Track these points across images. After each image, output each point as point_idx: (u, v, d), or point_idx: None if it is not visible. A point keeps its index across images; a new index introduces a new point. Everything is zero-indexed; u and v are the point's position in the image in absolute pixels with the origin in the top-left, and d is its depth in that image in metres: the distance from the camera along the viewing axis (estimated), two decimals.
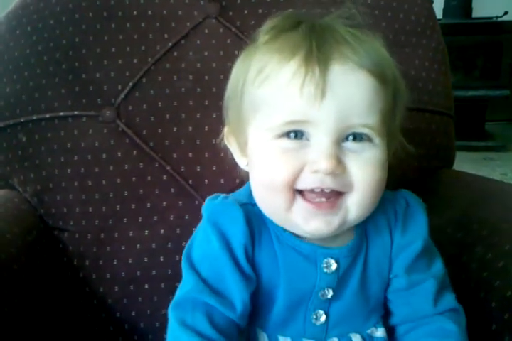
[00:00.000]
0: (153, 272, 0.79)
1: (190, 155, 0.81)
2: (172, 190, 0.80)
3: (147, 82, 0.81)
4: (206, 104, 0.81)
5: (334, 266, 0.56)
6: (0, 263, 0.67)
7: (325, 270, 0.56)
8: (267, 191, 0.53)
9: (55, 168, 0.80)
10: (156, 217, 0.80)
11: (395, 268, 0.59)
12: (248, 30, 0.81)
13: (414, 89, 0.83)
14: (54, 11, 0.82)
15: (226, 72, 0.59)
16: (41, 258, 0.77)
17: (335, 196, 0.51)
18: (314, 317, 0.57)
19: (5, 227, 0.73)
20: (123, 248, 0.80)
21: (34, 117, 0.80)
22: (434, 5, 0.91)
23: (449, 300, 0.59)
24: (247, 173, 0.58)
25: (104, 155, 0.80)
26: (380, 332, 0.59)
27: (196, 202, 0.80)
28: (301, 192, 0.52)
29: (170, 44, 0.81)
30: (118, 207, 0.80)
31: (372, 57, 0.50)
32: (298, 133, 0.51)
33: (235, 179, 0.77)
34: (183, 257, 0.56)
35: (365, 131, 0.51)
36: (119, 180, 0.80)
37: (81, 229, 0.80)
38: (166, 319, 0.54)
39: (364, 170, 0.51)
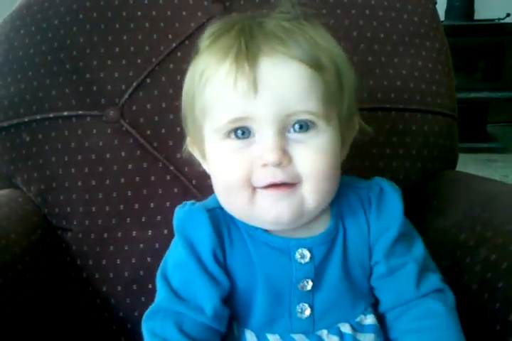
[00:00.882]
0: (157, 272, 0.79)
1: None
2: (175, 190, 0.80)
3: (151, 82, 0.81)
4: None
5: (308, 255, 0.56)
6: (4, 263, 0.68)
7: (299, 260, 0.56)
8: (227, 191, 0.55)
9: (59, 167, 0.80)
10: (159, 217, 0.80)
11: (374, 254, 0.59)
12: None
13: (417, 90, 0.84)
14: (58, 11, 0.82)
15: None
16: (45, 257, 0.77)
17: (289, 186, 0.52)
18: (299, 310, 0.57)
19: (9, 227, 0.73)
20: (126, 248, 0.80)
21: (38, 117, 0.81)
22: (437, 6, 0.91)
23: (433, 281, 0.59)
24: None
25: (107, 155, 0.80)
26: (369, 320, 0.59)
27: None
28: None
29: (174, 44, 0.81)
30: (121, 206, 0.80)
31: (303, 47, 0.51)
32: (245, 131, 0.52)
33: None
34: (158, 270, 0.58)
35: (308, 116, 0.51)
36: (122, 180, 0.80)
37: (84, 228, 0.80)
38: None
39: (311, 160, 0.52)
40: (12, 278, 0.68)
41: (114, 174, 0.80)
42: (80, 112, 0.80)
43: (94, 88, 0.81)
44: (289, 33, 0.52)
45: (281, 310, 0.57)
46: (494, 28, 2.93)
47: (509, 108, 3.16)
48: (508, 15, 2.93)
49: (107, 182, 0.80)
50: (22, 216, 0.78)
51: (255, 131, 0.52)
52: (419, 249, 0.60)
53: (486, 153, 2.91)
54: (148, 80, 0.81)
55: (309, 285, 0.57)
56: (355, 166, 0.79)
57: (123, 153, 0.80)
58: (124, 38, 0.81)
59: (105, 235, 0.80)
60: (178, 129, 0.80)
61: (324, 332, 0.58)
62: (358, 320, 0.59)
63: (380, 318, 0.61)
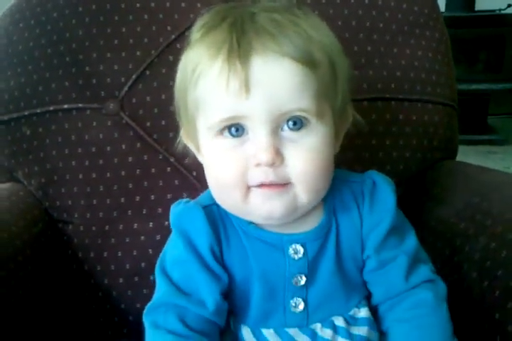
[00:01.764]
0: None
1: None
2: (176, 182, 0.81)
3: (150, 75, 0.81)
4: None
5: (301, 251, 0.57)
6: (6, 256, 0.68)
7: (292, 256, 0.57)
8: (221, 189, 0.55)
9: (60, 160, 0.81)
10: (160, 209, 0.80)
11: (366, 248, 0.59)
12: None
13: (417, 80, 0.84)
14: (57, 3, 0.82)
15: None
16: (46, 250, 0.78)
17: (281, 185, 0.52)
18: (293, 305, 0.58)
19: (10, 220, 0.74)
20: (127, 240, 0.80)
21: (38, 110, 0.81)
22: None
23: (423, 272, 0.59)
24: None
25: (108, 148, 0.80)
26: (362, 313, 0.60)
27: (200, 194, 0.80)
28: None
29: (173, 36, 0.81)
30: (122, 199, 0.80)
31: (295, 43, 0.50)
32: (239, 128, 0.52)
33: None
34: (156, 265, 0.58)
35: (301, 113, 0.51)
36: (123, 173, 0.80)
37: (86, 221, 0.81)
38: None
39: (303, 160, 0.52)
40: (14, 270, 0.68)
41: (114, 167, 0.80)
42: (80, 105, 0.80)
43: (94, 81, 0.81)
44: (280, 28, 0.51)
45: (276, 305, 0.58)
46: (495, 19, 2.92)
47: (510, 100, 3.15)
48: (509, 5, 2.93)
49: (108, 174, 0.80)
50: (23, 209, 0.78)
51: (248, 129, 0.52)
52: (410, 241, 0.60)
53: (486, 145, 2.92)
54: (147, 72, 0.81)
55: (303, 280, 0.57)
56: (354, 157, 0.80)
57: (123, 146, 0.80)
58: (123, 30, 0.81)
59: (106, 227, 0.80)
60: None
61: (318, 326, 0.58)
62: (351, 313, 0.59)
63: (373, 311, 0.61)
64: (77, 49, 0.81)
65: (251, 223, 0.57)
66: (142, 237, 0.80)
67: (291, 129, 0.52)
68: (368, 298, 0.61)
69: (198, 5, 0.82)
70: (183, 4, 0.82)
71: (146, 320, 0.56)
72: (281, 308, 0.58)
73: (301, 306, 0.58)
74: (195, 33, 0.56)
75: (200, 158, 0.61)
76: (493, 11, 2.96)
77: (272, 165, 0.50)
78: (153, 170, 0.81)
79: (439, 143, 0.86)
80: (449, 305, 0.59)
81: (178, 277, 0.56)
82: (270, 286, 0.57)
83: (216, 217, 0.58)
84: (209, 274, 0.55)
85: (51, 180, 0.81)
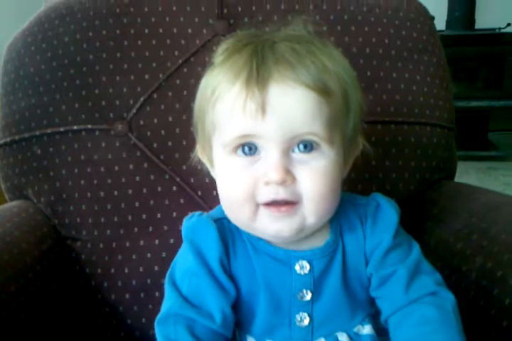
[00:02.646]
0: (164, 280, 0.81)
1: (199, 167, 0.83)
2: (181, 201, 0.83)
3: (158, 97, 0.83)
4: None
5: (307, 267, 0.59)
6: (16, 271, 0.70)
7: (298, 271, 0.59)
8: (231, 205, 0.57)
9: (69, 179, 0.82)
10: (166, 227, 0.82)
11: (369, 267, 0.61)
12: None
13: (415, 104, 0.86)
14: (69, 28, 0.84)
15: None
16: (55, 266, 0.79)
17: (290, 205, 0.54)
18: (298, 319, 0.59)
19: (20, 237, 0.75)
20: (134, 257, 0.82)
21: (49, 131, 0.83)
22: (437, 16, 0.93)
23: (425, 284, 0.59)
24: None
25: (116, 168, 0.82)
26: (366, 329, 0.61)
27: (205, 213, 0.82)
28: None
29: (180, 61, 0.84)
30: (129, 217, 0.82)
31: (311, 72, 0.52)
32: (252, 147, 0.54)
33: None
34: (166, 277, 0.60)
35: (312, 137, 0.53)
36: (130, 191, 0.82)
37: (93, 238, 0.82)
38: None
39: (312, 180, 0.53)
40: (24, 286, 0.70)
41: (122, 185, 0.82)
42: (89, 126, 0.83)
43: (103, 103, 0.83)
44: (298, 57, 0.53)
45: (282, 319, 0.59)
46: (495, 38, 2.95)
47: (510, 116, 3.17)
48: (508, 24, 2.95)
49: (116, 193, 0.82)
50: (33, 226, 0.80)
51: (261, 148, 0.54)
52: (412, 255, 0.61)
53: (487, 161, 2.92)
54: (155, 95, 0.83)
55: (308, 295, 0.59)
56: (355, 177, 0.82)
57: (131, 166, 0.82)
58: (132, 54, 0.83)
59: (114, 245, 0.82)
60: (184, 142, 0.82)
61: None
62: (355, 329, 0.61)
63: (383, 328, 0.62)
64: (88, 72, 0.83)
65: (261, 238, 0.59)
66: (148, 254, 0.82)
67: (301, 152, 0.54)
68: (373, 316, 0.63)
69: (204, 31, 0.84)
70: (189, 30, 0.84)
71: (158, 332, 0.57)
72: (287, 322, 0.59)
73: (307, 321, 0.59)
74: (218, 57, 0.58)
75: (213, 174, 0.63)
76: (493, 29, 2.99)
77: (282, 183, 0.52)
78: (159, 189, 0.82)
79: (437, 164, 0.87)
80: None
81: (188, 289, 0.58)
82: (276, 300, 0.59)
83: (226, 230, 0.60)
84: (218, 288, 0.57)
85: (60, 198, 0.83)
